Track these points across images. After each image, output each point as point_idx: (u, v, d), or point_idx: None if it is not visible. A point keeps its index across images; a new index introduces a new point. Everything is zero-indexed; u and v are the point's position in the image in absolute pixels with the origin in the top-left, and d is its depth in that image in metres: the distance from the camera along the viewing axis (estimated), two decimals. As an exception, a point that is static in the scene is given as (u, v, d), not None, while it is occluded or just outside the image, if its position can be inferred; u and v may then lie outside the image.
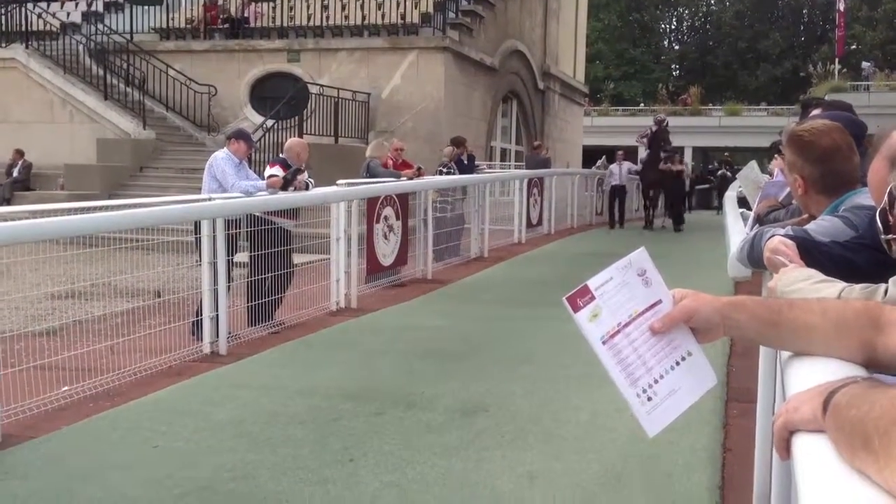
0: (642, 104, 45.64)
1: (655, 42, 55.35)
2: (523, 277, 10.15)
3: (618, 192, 17.13)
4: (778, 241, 2.11)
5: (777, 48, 48.92)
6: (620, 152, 17.73)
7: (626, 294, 1.26)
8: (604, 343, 1.25)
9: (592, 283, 1.26)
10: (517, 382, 5.43)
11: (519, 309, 8.01)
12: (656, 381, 1.25)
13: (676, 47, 56.00)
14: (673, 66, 55.31)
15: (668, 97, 44.21)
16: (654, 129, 16.56)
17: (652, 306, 1.27)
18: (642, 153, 17.28)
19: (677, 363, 1.28)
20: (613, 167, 17.42)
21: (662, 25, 56.65)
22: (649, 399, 1.24)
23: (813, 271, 1.79)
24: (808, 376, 1.16)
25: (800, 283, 1.71)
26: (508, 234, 13.40)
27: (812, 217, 2.40)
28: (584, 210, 17.66)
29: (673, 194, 17.14)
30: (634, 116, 41.95)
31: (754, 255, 2.37)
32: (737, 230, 4.25)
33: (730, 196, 7.48)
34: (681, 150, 37.99)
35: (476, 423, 4.59)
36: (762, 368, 3.23)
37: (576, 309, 1.24)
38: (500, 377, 5.54)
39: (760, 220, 3.48)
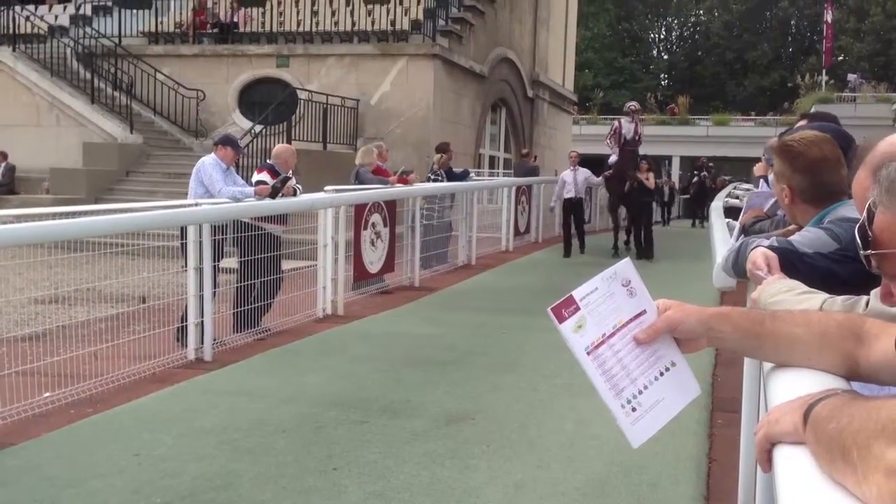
0: (631, 113, 45.73)
1: (644, 51, 55.66)
2: (510, 285, 10.15)
3: (573, 208, 13.21)
4: (761, 252, 2.11)
5: (765, 59, 49.28)
6: (573, 153, 14.00)
7: (610, 304, 1.26)
8: (588, 354, 1.24)
9: (577, 293, 1.25)
10: (503, 391, 5.42)
11: (506, 317, 8.00)
12: (640, 392, 1.25)
13: (665, 57, 56.31)
14: (661, 76, 55.62)
15: (656, 106, 44.42)
16: (624, 123, 12.62)
17: (636, 317, 1.27)
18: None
19: (661, 374, 1.27)
20: (566, 175, 13.34)
21: (651, 35, 56.96)
22: (633, 410, 1.24)
23: (796, 282, 1.79)
24: (790, 388, 1.16)
25: (783, 293, 1.71)
26: (496, 242, 13.41)
27: (798, 227, 2.41)
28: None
29: (639, 212, 13.02)
30: (623, 125, 42.08)
31: (739, 266, 2.37)
32: (722, 241, 4.26)
33: (716, 206, 7.50)
34: (665, 160, 38.14)
35: (461, 431, 4.57)
36: (747, 378, 3.24)
37: (561, 319, 1.23)
38: (486, 385, 5.53)
39: (745, 230, 3.49)
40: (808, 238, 2.27)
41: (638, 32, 54.74)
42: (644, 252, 12.65)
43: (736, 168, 32.64)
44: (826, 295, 1.64)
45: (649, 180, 13.07)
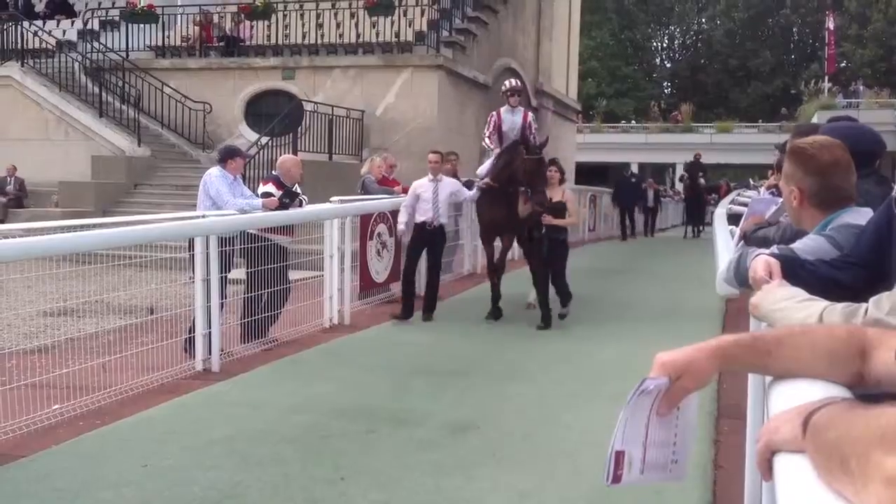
0: (634, 121, 45.87)
1: (647, 60, 55.77)
2: (516, 294, 10.14)
3: (429, 239, 8.26)
4: (763, 259, 2.13)
5: (767, 66, 49.31)
6: (434, 155, 8.50)
7: (638, 418, 1.26)
8: (643, 473, 1.26)
9: (618, 442, 1.25)
10: (509, 400, 5.43)
11: (511, 326, 8.02)
12: (675, 444, 1.28)
13: (668, 65, 56.41)
14: (665, 84, 55.69)
15: (659, 114, 44.47)
16: (505, 114, 8.54)
17: (655, 396, 1.27)
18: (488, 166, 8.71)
19: (678, 418, 1.29)
20: (421, 187, 8.34)
21: (654, 43, 57.06)
22: (676, 462, 1.28)
23: (797, 290, 1.81)
24: (792, 396, 1.18)
25: (783, 301, 1.73)
26: (502, 251, 13.40)
27: (804, 232, 2.43)
28: (574, 227, 17.69)
29: (542, 249, 8.06)
30: (627, 133, 42.21)
31: (740, 274, 2.39)
32: (725, 248, 4.28)
33: (719, 213, 7.51)
34: (669, 168, 37.89)
35: (467, 440, 4.59)
36: (752, 385, 3.25)
37: (620, 479, 1.25)
38: (492, 394, 5.55)
39: (747, 237, 3.50)
40: (809, 246, 2.29)
41: (640, 41, 54.85)
42: (561, 300, 8.17)
43: (740, 174, 32.61)
44: (826, 302, 1.65)
45: (566, 203, 8.10)
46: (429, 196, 8.29)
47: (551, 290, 8.10)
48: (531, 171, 7.79)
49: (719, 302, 8.61)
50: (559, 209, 7.97)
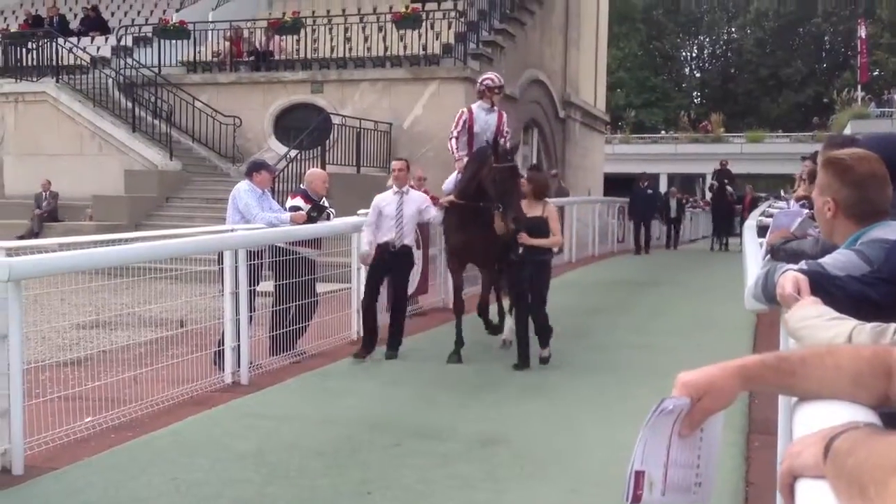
0: (663, 131, 45.62)
1: (676, 70, 55.47)
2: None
3: (392, 262, 7.14)
4: (791, 276, 2.11)
5: (799, 75, 48.81)
6: (398, 162, 7.54)
7: (659, 438, 1.25)
8: (664, 495, 1.25)
9: (637, 461, 1.24)
10: (537, 413, 5.41)
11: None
12: (698, 466, 1.27)
13: (698, 75, 56.04)
14: (694, 94, 55.33)
15: (689, 124, 44.17)
16: (478, 110, 7.52)
17: (677, 417, 1.26)
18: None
19: (701, 440, 1.28)
20: (384, 201, 7.23)
21: (683, 53, 56.76)
22: (700, 485, 1.26)
23: (825, 308, 1.79)
24: (816, 418, 1.17)
25: (811, 319, 1.71)
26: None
27: (835, 245, 2.40)
28: (605, 238, 17.61)
29: (522, 274, 6.81)
30: (656, 144, 41.98)
31: (768, 291, 2.36)
32: (754, 261, 4.24)
33: (749, 225, 7.42)
34: (699, 178, 37.74)
35: (494, 454, 4.58)
36: (782, 401, 3.21)
37: (639, 500, 1.24)
38: (519, 408, 5.53)
39: (774, 251, 3.47)
40: (839, 261, 2.26)
41: (669, 51, 54.58)
42: (540, 339, 6.83)
43: (772, 185, 32.25)
44: (855, 322, 1.63)
45: (547, 220, 6.75)
46: (391, 211, 7.05)
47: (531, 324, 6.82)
48: (502, 181, 6.47)
49: (750, 316, 8.52)
50: (538, 227, 6.65)
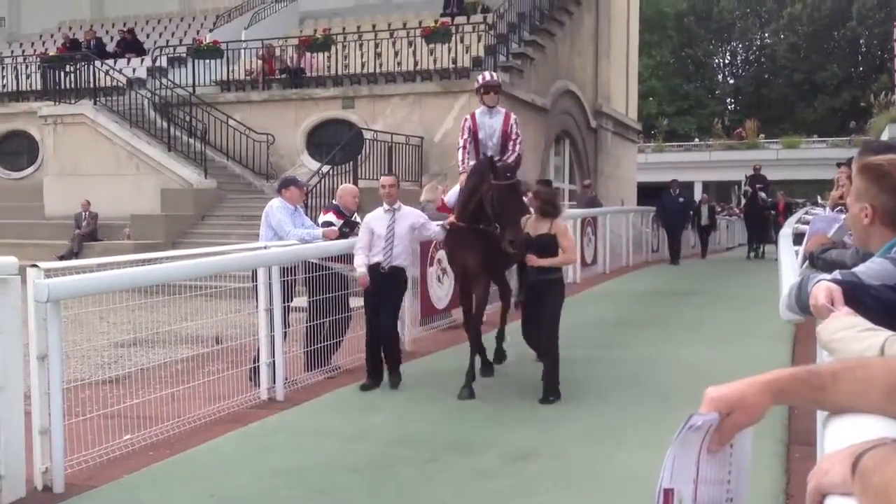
0: (697, 139, 45.22)
1: (709, 77, 55.03)
2: (578, 318, 10.04)
3: (384, 286, 6.70)
4: (825, 286, 2.07)
5: (835, 79, 48.16)
6: (387, 180, 6.91)
7: (687, 455, 1.23)
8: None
9: (665, 481, 1.23)
10: (569, 425, 5.38)
11: (573, 351, 7.92)
12: (729, 482, 1.25)
13: (731, 81, 55.54)
14: (728, 100, 54.83)
15: (723, 131, 43.75)
16: (481, 116, 7.06)
17: (706, 432, 1.25)
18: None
19: (731, 455, 1.26)
20: (374, 220, 6.82)
21: (716, 60, 56.32)
22: (730, 500, 1.25)
23: (858, 319, 1.76)
24: (848, 433, 1.15)
25: (843, 331, 1.69)
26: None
27: (869, 253, 2.36)
28: (639, 247, 17.45)
29: (535, 300, 6.42)
30: (689, 152, 41.64)
31: (802, 302, 2.33)
32: (790, 270, 4.18)
33: (785, 233, 7.31)
34: (735, 186, 37.28)
35: (528, 469, 4.55)
36: (821, 412, 3.15)
37: None
38: (553, 421, 5.49)
39: (812, 258, 3.42)
40: (873, 269, 2.22)
41: (702, 58, 54.19)
42: (547, 383, 6.09)
43: (809, 191, 31.79)
44: (888, 333, 1.61)
45: (556, 237, 6.27)
46: (382, 231, 6.64)
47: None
48: (500, 201, 6.07)
49: (788, 326, 8.39)
50: (547, 244, 6.20)
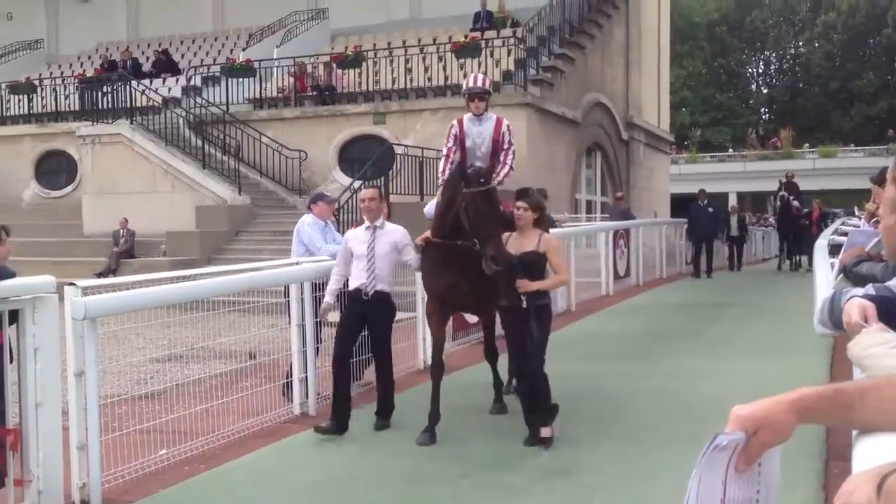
0: (731, 149, 44.79)
1: (743, 86, 54.53)
2: (611, 331, 9.99)
3: (364, 314, 5.95)
4: (857, 303, 2.04)
5: (871, 87, 47.45)
6: (369, 191, 6.24)
7: (714, 475, 1.22)
8: None
9: (691, 502, 1.21)
10: (604, 441, 5.33)
11: (607, 364, 7.88)
12: (758, 501, 1.24)
13: (765, 90, 54.98)
14: (762, 110, 54.26)
15: (757, 141, 43.31)
16: (469, 124, 6.36)
17: (732, 452, 1.24)
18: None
19: (759, 474, 1.25)
20: (354, 239, 6.06)
21: (749, 69, 55.80)
22: None
23: (891, 335, 1.73)
24: (876, 452, 1.14)
25: (874, 347, 1.66)
26: (595, 287, 13.26)
27: None
28: (672, 259, 17.30)
29: (530, 323, 5.44)
30: (723, 162, 41.25)
31: (835, 317, 2.30)
32: (825, 284, 4.12)
33: (820, 245, 7.20)
34: (770, 196, 36.69)
35: (561, 486, 4.53)
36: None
37: None
38: (586, 436, 5.45)
39: (847, 271, 3.37)
40: (908, 283, 2.19)
41: (735, 68, 53.74)
42: (535, 413, 5.36)
43: (846, 200, 31.31)
44: (920, 348, 1.58)
45: (546, 254, 5.51)
46: (363, 251, 5.85)
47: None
48: (475, 211, 5.24)
49: (826, 339, 8.26)
50: (532, 264, 5.42)
